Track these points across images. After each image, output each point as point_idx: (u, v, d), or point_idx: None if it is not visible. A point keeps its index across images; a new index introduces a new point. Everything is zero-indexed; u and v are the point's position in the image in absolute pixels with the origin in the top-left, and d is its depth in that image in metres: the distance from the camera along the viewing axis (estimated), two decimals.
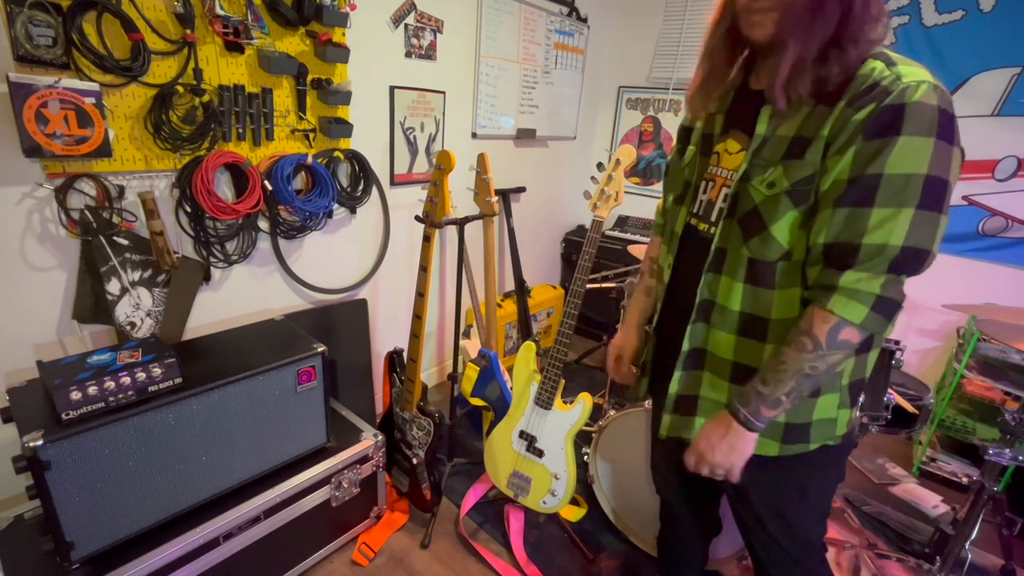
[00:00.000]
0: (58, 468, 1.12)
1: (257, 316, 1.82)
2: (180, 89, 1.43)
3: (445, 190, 1.65)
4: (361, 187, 2.00)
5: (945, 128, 0.73)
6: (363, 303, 2.16)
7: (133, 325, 1.49)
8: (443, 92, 2.29)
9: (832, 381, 0.91)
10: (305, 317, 1.95)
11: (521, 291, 2.88)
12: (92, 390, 1.16)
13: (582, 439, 1.84)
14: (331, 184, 1.81)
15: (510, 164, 2.87)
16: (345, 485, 1.66)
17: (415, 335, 1.73)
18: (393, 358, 1.86)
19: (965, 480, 2.25)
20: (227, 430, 1.41)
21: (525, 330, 2.87)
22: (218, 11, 1.43)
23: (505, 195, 2.82)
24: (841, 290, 0.78)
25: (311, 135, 1.79)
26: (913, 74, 0.74)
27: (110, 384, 1.18)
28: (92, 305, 1.43)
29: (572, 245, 3.52)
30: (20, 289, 1.32)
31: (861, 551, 1.86)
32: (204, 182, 1.49)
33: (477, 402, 2.03)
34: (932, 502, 2.15)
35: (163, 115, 1.40)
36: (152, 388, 1.25)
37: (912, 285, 0.80)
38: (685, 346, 1.00)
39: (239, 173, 1.61)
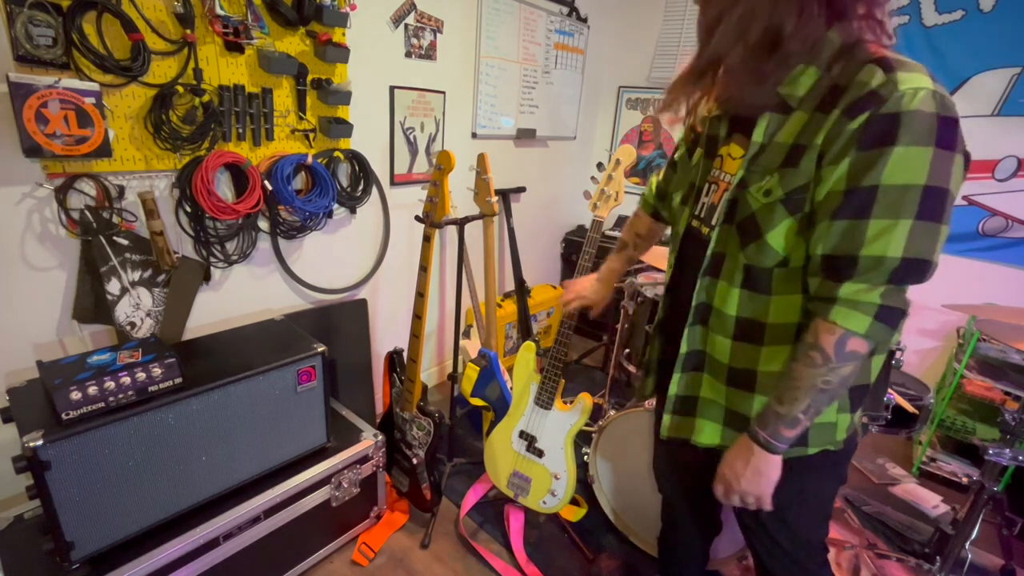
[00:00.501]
0: (58, 468, 1.12)
1: (257, 316, 1.82)
2: (180, 89, 1.43)
3: (445, 190, 1.65)
4: (361, 187, 2.00)
5: (945, 135, 0.71)
6: (363, 303, 2.16)
7: (133, 325, 1.49)
8: (443, 92, 2.29)
9: None
10: (305, 317, 1.95)
11: (521, 291, 2.88)
12: (92, 390, 1.16)
13: (582, 439, 1.84)
14: (331, 184, 1.81)
15: (510, 164, 2.87)
16: (345, 485, 1.66)
17: (415, 335, 1.73)
18: (393, 358, 1.86)
19: (965, 480, 2.25)
20: (227, 430, 1.41)
21: (525, 330, 2.87)
22: (218, 11, 1.43)
23: (505, 195, 2.82)
24: (842, 301, 0.77)
25: (311, 135, 1.79)
26: (911, 80, 0.71)
27: (110, 384, 1.18)
28: (92, 305, 1.43)
29: (572, 245, 3.52)
30: (20, 289, 1.32)
31: (861, 551, 1.86)
32: (204, 182, 1.49)
33: (477, 402, 2.03)
34: (932, 502, 2.15)
35: (163, 115, 1.40)
36: (152, 388, 1.25)
37: (912, 285, 0.79)
38: (683, 348, 1.00)
39: (239, 173, 1.61)
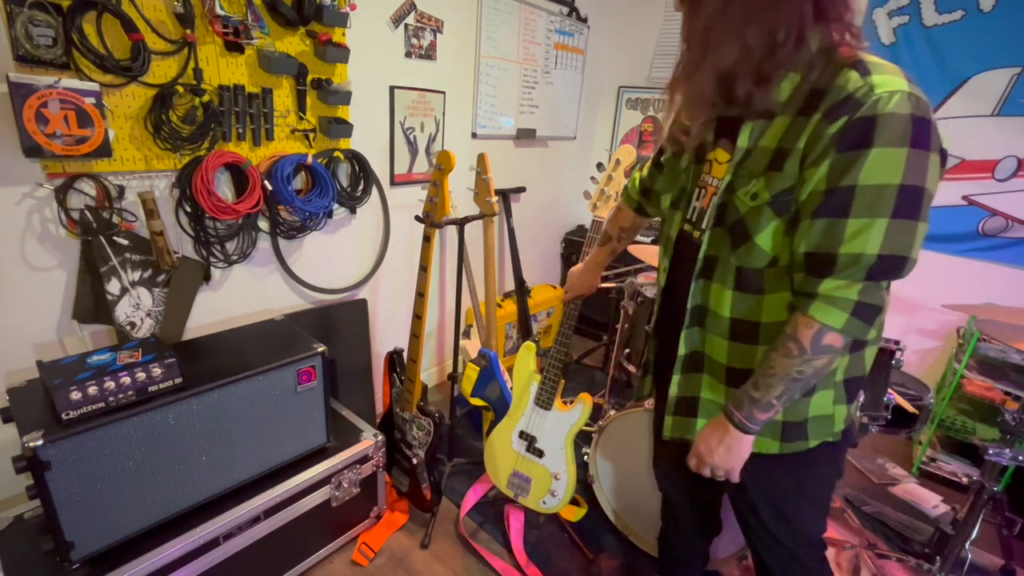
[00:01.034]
0: (58, 468, 1.12)
1: (257, 316, 1.82)
2: (180, 89, 1.43)
3: (445, 190, 1.65)
4: (361, 187, 2.00)
5: (919, 136, 0.73)
6: (363, 303, 2.16)
7: (133, 325, 1.49)
8: (443, 92, 2.29)
9: (826, 378, 0.92)
10: (305, 317, 1.95)
11: (521, 291, 2.88)
12: (92, 390, 1.16)
13: (582, 439, 1.84)
14: (331, 184, 1.81)
15: (510, 164, 2.87)
16: (345, 485, 1.66)
17: (415, 335, 1.73)
18: (393, 358, 1.86)
19: (965, 480, 2.25)
20: (227, 430, 1.41)
21: (525, 330, 2.87)
22: (218, 11, 1.43)
23: (505, 195, 2.82)
24: (821, 297, 0.80)
25: (311, 135, 1.79)
26: (887, 84, 0.74)
27: (110, 384, 1.18)
28: (92, 305, 1.43)
29: (572, 245, 3.52)
30: (20, 289, 1.32)
31: (861, 551, 1.86)
32: (204, 182, 1.49)
33: (477, 402, 2.03)
34: (932, 502, 2.15)
35: (163, 115, 1.40)
36: (152, 388, 1.25)
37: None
38: (681, 350, 1.02)
39: (239, 173, 1.61)
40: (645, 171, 1.25)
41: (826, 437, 0.96)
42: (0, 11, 1.14)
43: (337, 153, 1.88)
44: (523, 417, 1.71)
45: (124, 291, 1.45)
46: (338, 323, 2.07)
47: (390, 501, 1.92)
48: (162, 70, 1.40)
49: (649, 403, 1.66)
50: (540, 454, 1.70)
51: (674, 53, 3.05)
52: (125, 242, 1.43)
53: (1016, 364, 2.19)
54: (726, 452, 0.93)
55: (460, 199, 2.27)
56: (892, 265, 0.76)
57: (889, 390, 1.77)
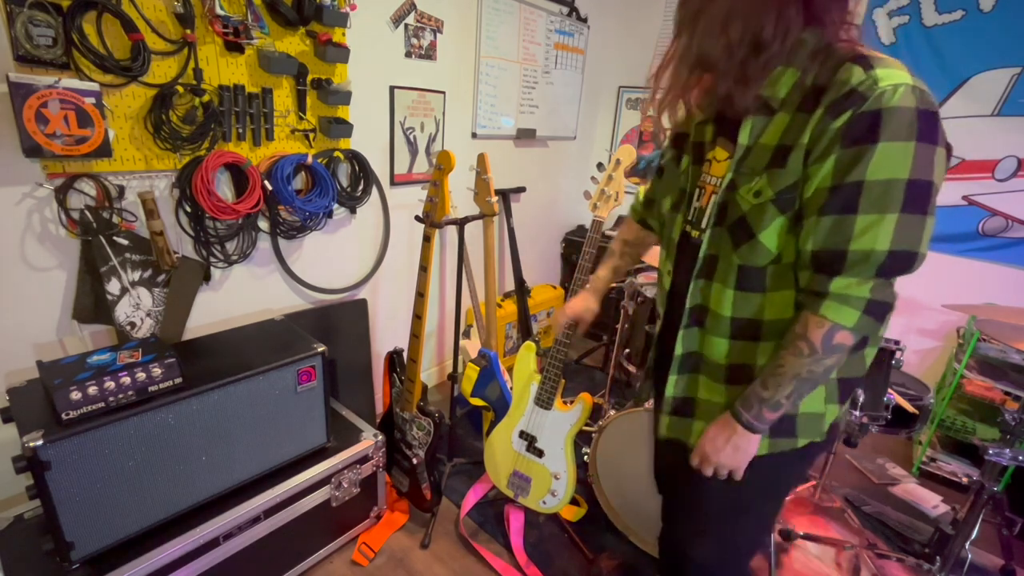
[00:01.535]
0: (58, 468, 1.12)
1: (257, 316, 1.82)
2: (180, 89, 1.43)
3: (445, 190, 1.65)
4: (361, 187, 2.00)
5: (926, 129, 0.72)
6: (363, 303, 2.16)
7: (133, 325, 1.49)
8: (443, 92, 2.29)
9: None
10: (305, 317, 1.95)
11: (521, 291, 2.88)
12: (92, 390, 1.16)
13: (582, 439, 1.84)
14: (331, 184, 1.81)
15: (510, 164, 2.87)
16: (345, 485, 1.66)
17: (415, 335, 1.73)
18: (393, 358, 1.86)
19: (965, 480, 2.25)
20: (227, 430, 1.41)
21: (525, 330, 2.87)
22: (218, 11, 1.43)
23: (505, 195, 2.82)
24: (832, 296, 0.79)
25: (311, 135, 1.79)
26: (891, 77, 0.73)
27: (110, 384, 1.18)
28: (92, 305, 1.43)
29: (572, 245, 3.52)
30: (20, 289, 1.32)
31: (861, 551, 1.86)
32: (204, 182, 1.49)
33: (477, 402, 2.03)
34: (932, 502, 2.15)
35: (163, 115, 1.40)
36: (152, 388, 1.25)
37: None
38: (678, 350, 1.01)
39: (239, 173, 1.61)
40: (651, 184, 1.25)
41: (814, 437, 0.95)
42: (0, 11, 1.14)
43: (337, 153, 1.88)
44: (523, 417, 1.71)
45: (124, 291, 1.45)
46: (338, 323, 2.07)
47: (390, 501, 1.92)
48: (162, 70, 1.40)
49: (649, 403, 1.66)
50: (540, 454, 1.70)
51: None
52: (125, 242, 1.43)
53: (1016, 364, 2.19)
54: (733, 451, 0.92)
55: (460, 199, 2.27)
56: (902, 261, 0.76)
57: (889, 390, 1.77)
